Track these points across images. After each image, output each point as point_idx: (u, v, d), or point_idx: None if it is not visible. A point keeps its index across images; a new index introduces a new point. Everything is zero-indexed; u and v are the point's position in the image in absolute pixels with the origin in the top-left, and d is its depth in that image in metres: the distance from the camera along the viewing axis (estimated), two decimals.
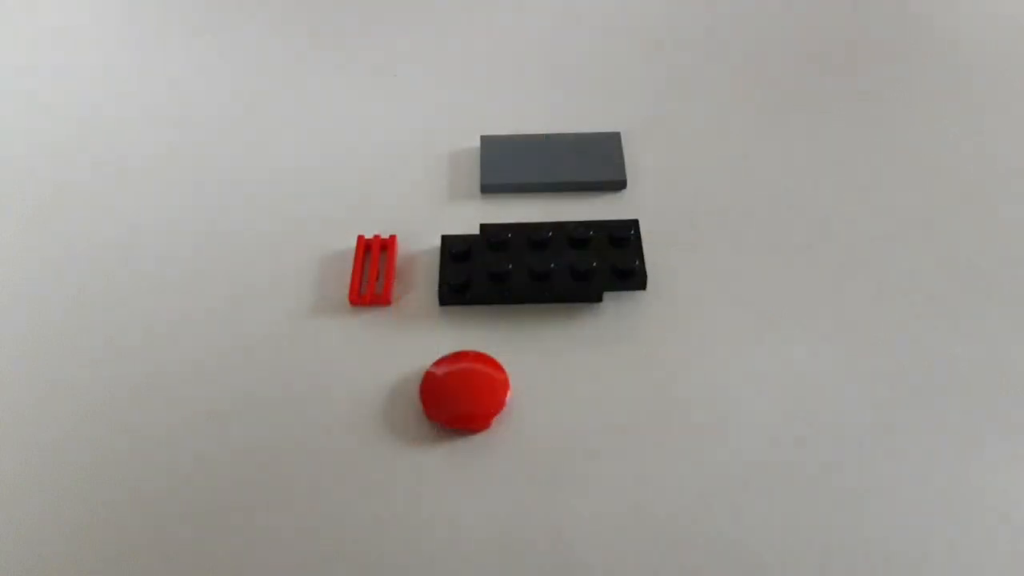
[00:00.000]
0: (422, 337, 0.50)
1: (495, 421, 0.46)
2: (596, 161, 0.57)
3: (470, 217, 0.55)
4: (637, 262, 0.50)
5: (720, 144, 0.59)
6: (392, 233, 0.54)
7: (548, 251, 0.51)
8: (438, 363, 0.47)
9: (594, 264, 0.50)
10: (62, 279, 0.52)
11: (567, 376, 0.48)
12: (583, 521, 0.43)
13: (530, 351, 0.49)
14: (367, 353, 0.49)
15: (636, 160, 0.58)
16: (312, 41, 0.68)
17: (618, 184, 0.56)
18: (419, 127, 0.61)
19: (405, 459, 0.45)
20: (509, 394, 0.47)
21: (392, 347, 0.49)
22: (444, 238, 0.52)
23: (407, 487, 0.44)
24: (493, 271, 0.50)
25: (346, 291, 0.52)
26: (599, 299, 0.51)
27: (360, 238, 0.53)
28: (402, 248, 0.54)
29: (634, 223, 0.52)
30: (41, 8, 0.71)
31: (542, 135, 0.58)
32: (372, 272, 0.51)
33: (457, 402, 0.46)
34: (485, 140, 0.58)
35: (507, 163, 0.57)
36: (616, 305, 0.51)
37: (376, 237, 0.53)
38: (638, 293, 0.51)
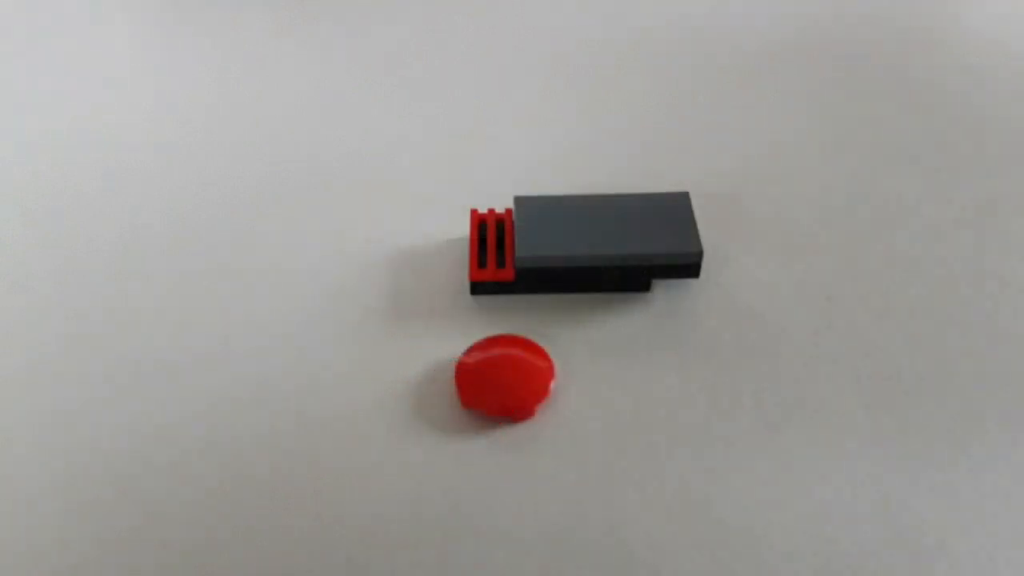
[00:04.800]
0: (459, 325, 0.45)
1: (539, 409, 0.42)
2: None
3: (505, 193, 0.51)
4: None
5: (770, 127, 0.56)
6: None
7: None
8: (474, 348, 0.43)
9: None
10: (101, 275, 0.48)
11: (613, 363, 0.43)
12: (639, 516, 0.38)
13: (574, 339, 0.44)
14: (400, 341, 0.44)
15: (683, 139, 0.54)
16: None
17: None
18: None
19: (445, 448, 0.40)
20: (554, 382, 0.42)
21: (428, 334, 0.45)
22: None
23: (447, 476, 0.39)
24: None
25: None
26: (647, 288, 0.46)
27: (473, 212, 0.48)
28: (428, 236, 0.50)
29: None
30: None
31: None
32: (491, 247, 0.47)
33: (499, 390, 0.41)
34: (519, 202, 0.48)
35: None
36: (665, 293, 0.46)
37: (491, 211, 0.48)
38: (689, 280, 0.47)
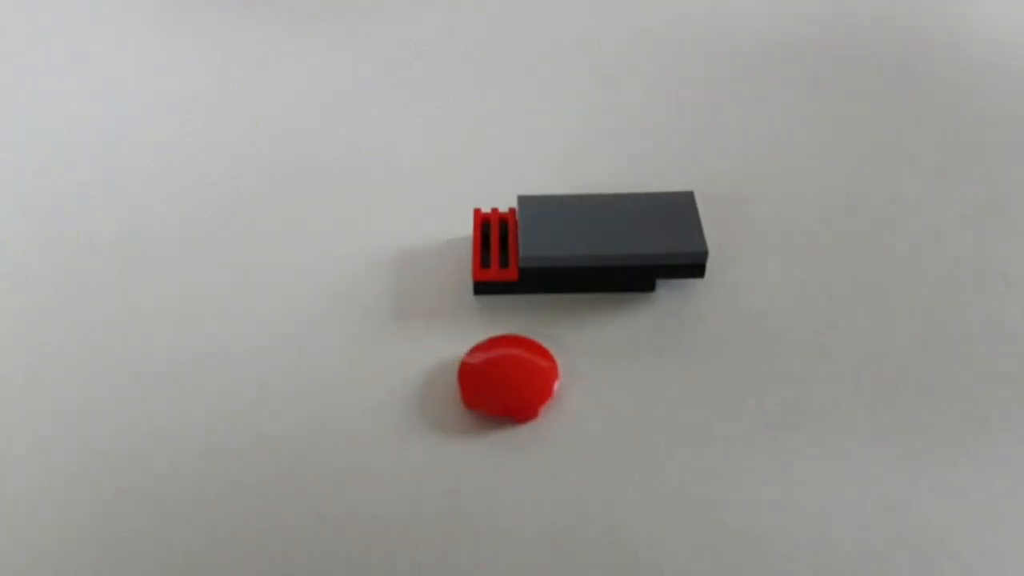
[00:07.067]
0: (462, 325, 0.45)
1: (543, 410, 0.41)
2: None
3: (508, 192, 0.51)
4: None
5: (773, 127, 0.55)
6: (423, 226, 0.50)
7: None
8: (477, 349, 0.42)
9: None
10: (107, 272, 0.48)
11: (618, 364, 0.43)
12: (644, 517, 0.37)
13: (579, 340, 0.44)
14: (402, 342, 0.44)
15: (687, 140, 0.54)
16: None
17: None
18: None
19: (447, 449, 0.40)
20: (558, 383, 0.42)
21: (431, 334, 0.44)
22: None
23: (450, 477, 0.39)
24: None
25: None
26: (652, 288, 0.46)
27: (477, 212, 0.48)
28: (430, 236, 0.49)
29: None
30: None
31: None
32: (495, 247, 0.47)
33: (502, 390, 0.41)
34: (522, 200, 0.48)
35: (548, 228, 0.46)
36: (669, 293, 0.46)
37: (494, 211, 0.48)
38: (694, 280, 0.47)
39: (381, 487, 0.39)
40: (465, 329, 0.45)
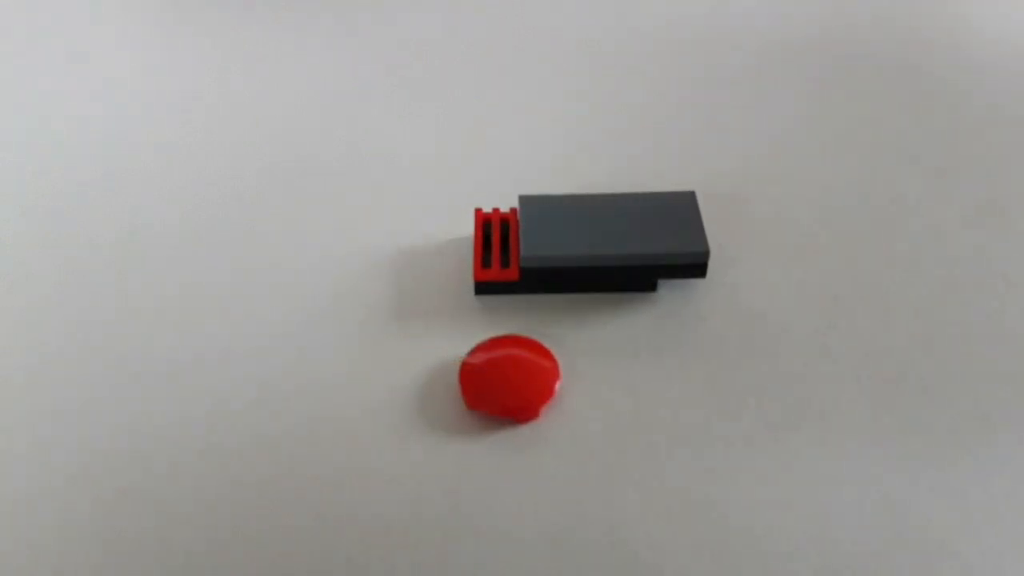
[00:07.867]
0: (463, 325, 0.45)
1: (544, 411, 0.41)
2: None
3: (509, 192, 0.51)
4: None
5: (775, 127, 0.55)
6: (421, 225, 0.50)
7: None
8: (478, 349, 0.42)
9: None
10: (114, 272, 0.48)
11: (619, 364, 0.43)
12: (645, 517, 0.37)
13: (580, 340, 0.44)
14: (403, 342, 0.44)
15: (688, 140, 0.54)
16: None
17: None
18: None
19: (448, 449, 0.40)
20: (559, 383, 0.42)
21: (432, 335, 0.44)
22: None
23: (450, 477, 0.39)
24: None
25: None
26: (653, 288, 0.46)
27: (478, 212, 0.48)
28: (431, 236, 0.49)
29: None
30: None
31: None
32: (496, 247, 0.47)
33: (503, 391, 0.41)
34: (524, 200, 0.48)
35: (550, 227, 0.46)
36: (670, 293, 0.46)
37: (495, 211, 0.48)
38: (695, 280, 0.47)
39: (381, 487, 0.39)
40: (466, 329, 0.45)
